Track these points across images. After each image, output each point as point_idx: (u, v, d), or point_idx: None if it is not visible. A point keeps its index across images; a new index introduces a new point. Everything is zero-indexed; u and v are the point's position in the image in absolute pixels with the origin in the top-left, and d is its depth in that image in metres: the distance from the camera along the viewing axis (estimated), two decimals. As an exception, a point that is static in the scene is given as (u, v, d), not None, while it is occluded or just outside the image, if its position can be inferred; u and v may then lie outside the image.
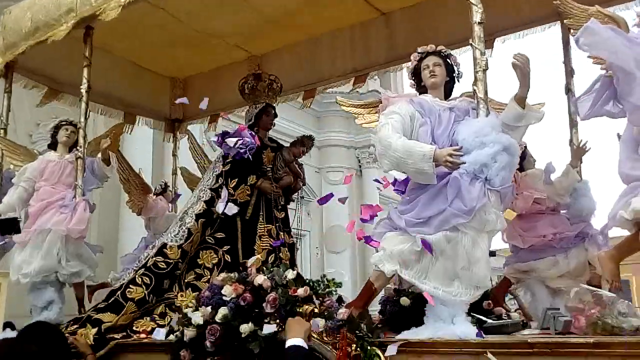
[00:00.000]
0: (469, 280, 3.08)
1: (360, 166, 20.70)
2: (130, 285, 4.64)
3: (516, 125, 3.24)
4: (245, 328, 3.38)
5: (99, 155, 5.18)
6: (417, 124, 3.31)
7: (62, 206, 4.90)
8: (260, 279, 3.54)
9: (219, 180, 5.08)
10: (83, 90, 5.21)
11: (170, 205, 7.40)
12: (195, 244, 4.89)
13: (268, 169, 5.20)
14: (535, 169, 5.04)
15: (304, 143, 5.44)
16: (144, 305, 4.60)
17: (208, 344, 3.53)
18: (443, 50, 3.59)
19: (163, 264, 4.75)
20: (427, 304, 3.21)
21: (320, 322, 3.25)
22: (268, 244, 4.98)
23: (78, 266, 4.87)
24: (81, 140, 5.09)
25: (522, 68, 3.18)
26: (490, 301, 4.32)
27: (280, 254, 5.01)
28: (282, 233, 5.13)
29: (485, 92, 3.37)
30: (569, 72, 5.04)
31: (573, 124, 4.94)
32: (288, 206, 5.40)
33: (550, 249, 4.69)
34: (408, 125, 3.29)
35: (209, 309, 3.55)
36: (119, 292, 4.62)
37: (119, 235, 9.27)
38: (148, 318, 4.55)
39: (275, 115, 5.46)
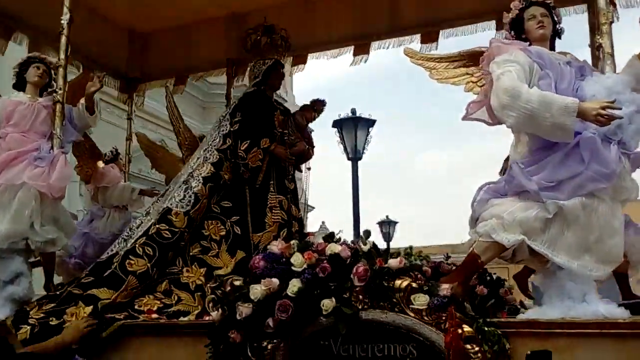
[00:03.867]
0: (602, 253, 2.73)
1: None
2: (130, 257, 3.86)
3: (637, 87, 2.94)
4: (328, 304, 2.82)
5: (82, 101, 4.32)
6: (535, 76, 2.91)
7: (37, 158, 4.01)
8: (336, 247, 2.99)
9: (227, 141, 4.42)
10: (64, 22, 4.34)
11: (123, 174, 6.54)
12: (201, 212, 4.19)
13: (279, 132, 4.59)
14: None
15: (316, 107, 4.88)
16: (145, 280, 3.84)
17: (271, 323, 2.93)
18: (547, 1, 3.22)
19: (167, 232, 4.00)
20: (552, 279, 2.82)
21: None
22: (280, 217, 4.38)
23: (54, 232, 4.00)
24: (61, 81, 4.22)
25: None
26: (506, 289, 4.05)
27: (293, 229, 4.43)
28: (293, 206, 4.55)
29: (612, 47, 3.05)
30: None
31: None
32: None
33: None
34: (527, 76, 2.89)
35: (275, 280, 2.94)
36: (116, 265, 3.83)
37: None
38: (151, 296, 3.81)
39: (284, 75, 4.86)
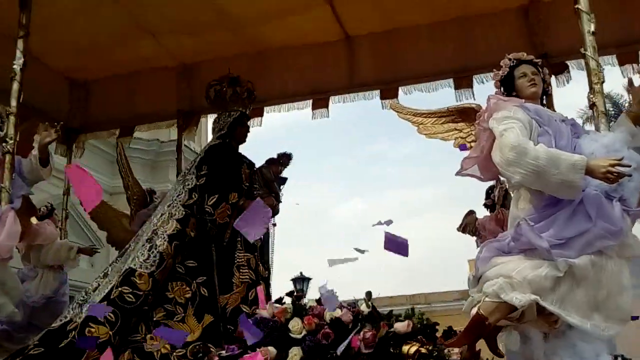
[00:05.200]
0: (612, 312, 2.68)
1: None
2: (90, 324, 3.48)
3: (632, 145, 2.98)
4: (334, 374, 2.60)
5: (33, 152, 3.96)
6: (535, 133, 2.90)
7: (-18, 215, 3.60)
8: (336, 311, 2.79)
9: (193, 196, 4.15)
10: (17, 67, 4.01)
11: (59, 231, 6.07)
12: (166, 273, 3.87)
13: (247, 187, 4.38)
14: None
15: (282, 161, 4.73)
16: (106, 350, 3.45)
17: (269, 397, 2.66)
18: (536, 60, 3.26)
19: (131, 296, 3.65)
20: (562, 340, 2.73)
21: None
22: (248, 277, 4.12)
23: (0, 298, 3.57)
24: (12, 130, 3.86)
25: None
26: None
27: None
28: (260, 265, 4.31)
29: (604, 106, 3.10)
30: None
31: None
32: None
33: None
34: (528, 133, 2.87)
35: (272, 349, 2.70)
36: (74, 333, 3.43)
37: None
38: (113, 368, 3.42)
39: (249, 128, 4.70)
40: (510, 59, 3.23)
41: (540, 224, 2.75)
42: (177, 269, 3.97)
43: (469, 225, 5.16)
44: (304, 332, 2.72)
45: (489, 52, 5.26)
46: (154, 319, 3.76)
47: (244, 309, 3.96)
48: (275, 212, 4.57)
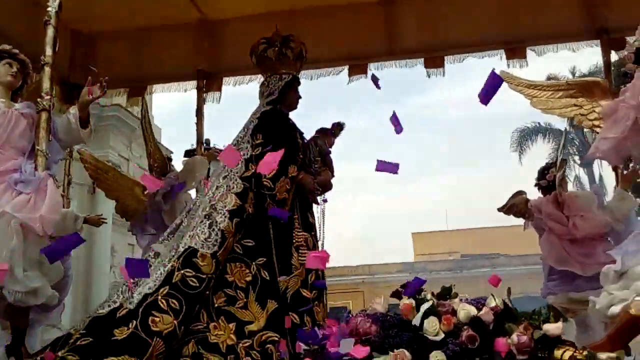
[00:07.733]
0: None
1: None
2: (154, 312, 3.01)
3: None
4: (485, 384, 2.25)
5: (71, 110, 3.42)
6: None
7: (18, 182, 3.06)
8: (471, 308, 2.43)
9: (250, 167, 3.69)
10: (52, 10, 3.44)
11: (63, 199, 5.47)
12: (226, 253, 3.43)
13: (301, 159, 3.95)
14: (585, 191, 4.64)
15: (334, 132, 4.29)
16: (172, 341, 3.02)
17: (403, 409, 2.29)
18: None
19: (194, 280, 3.20)
20: None
21: None
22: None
23: (38, 280, 3.05)
24: (48, 84, 3.30)
25: None
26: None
27: (319, 272, 3.78)
28: (317, 244, 3.91)
29: None
30: (612, 93, 4.77)
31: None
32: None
33: None
34: None
35: (406, 353, 2.32)
36: (135, 322, 2.96)
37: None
38: (178, 362, 2.99)
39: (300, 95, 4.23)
40: None
41: None
42: (235, 249, 3.52)
43: (517, 205, 4.88)
44: (441, 334, 2.36)
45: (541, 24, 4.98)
46: (215, 305, 3.32)
47: (304, 294, 3.59)
48: (329, 187, 4.14)
